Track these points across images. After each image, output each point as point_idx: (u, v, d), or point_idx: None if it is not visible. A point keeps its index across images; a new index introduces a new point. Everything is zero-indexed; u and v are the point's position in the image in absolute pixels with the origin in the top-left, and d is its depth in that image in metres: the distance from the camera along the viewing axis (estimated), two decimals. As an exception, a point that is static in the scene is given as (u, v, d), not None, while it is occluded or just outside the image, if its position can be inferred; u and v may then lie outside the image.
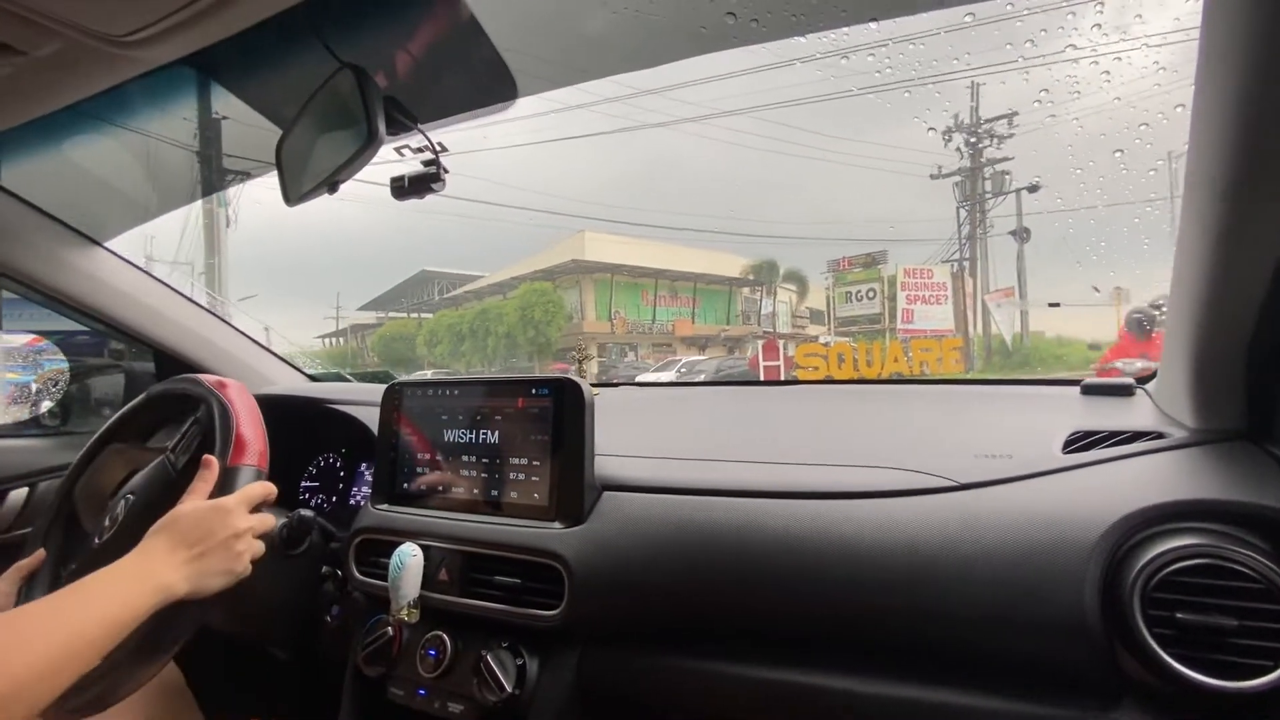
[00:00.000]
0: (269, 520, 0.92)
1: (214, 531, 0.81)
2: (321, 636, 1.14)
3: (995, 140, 14.73)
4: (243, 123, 1.03)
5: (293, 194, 0.94)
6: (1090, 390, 1.02)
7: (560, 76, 0.89)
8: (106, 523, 1.01)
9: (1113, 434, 0.84)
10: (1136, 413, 0.92)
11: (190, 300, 1.48)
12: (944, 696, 0.73)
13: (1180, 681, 0.61)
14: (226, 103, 0.99)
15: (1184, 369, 0.77)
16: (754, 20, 0.70)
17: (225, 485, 0.90)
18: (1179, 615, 0.63)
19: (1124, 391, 0.99)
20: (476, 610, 0.94)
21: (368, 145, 0.76)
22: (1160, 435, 0.82)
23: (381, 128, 0.75)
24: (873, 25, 0.72)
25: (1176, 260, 0.72)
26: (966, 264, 14.96)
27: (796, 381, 1.40)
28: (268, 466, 0.96)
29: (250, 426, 0.97)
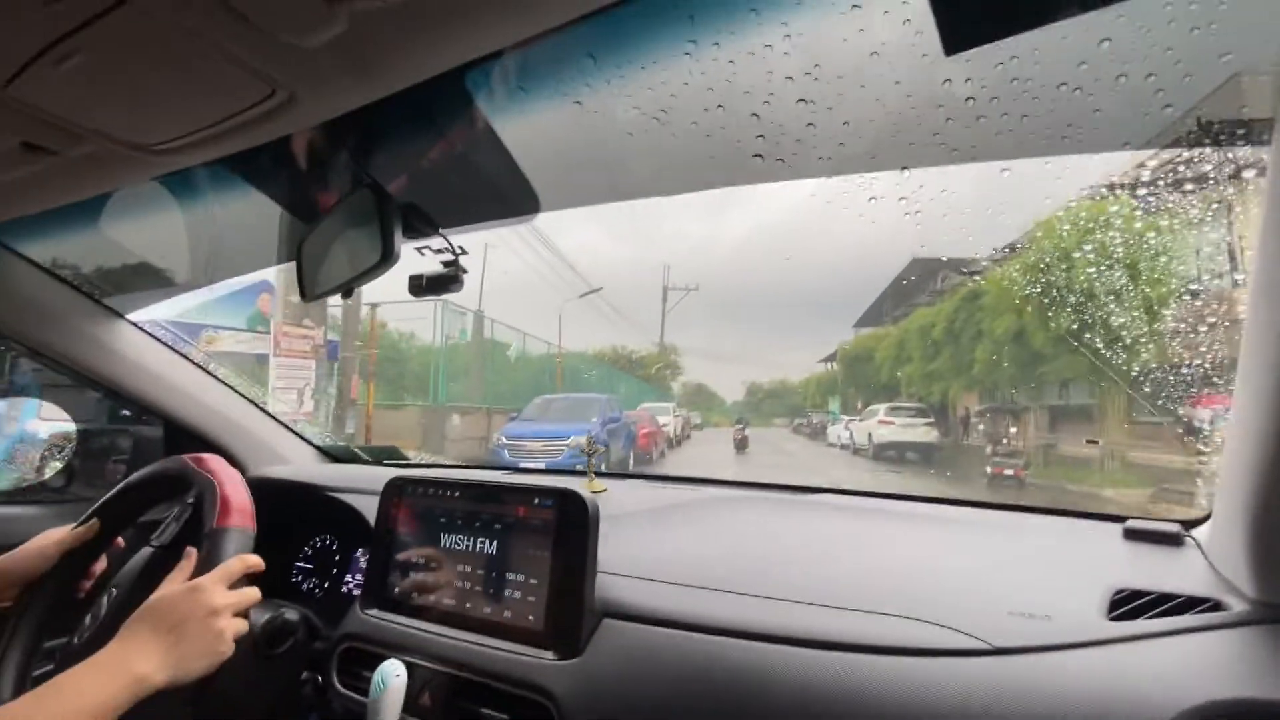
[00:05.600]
0: (251, 594, 0.87)
1: (190, 613, 0.77)
2: None
3: None
4: (270, 214, 1.04)
5: (309, 292, 0.94)
6: (1134, 535, 0.95)
7: (583, 197, 0.89)
8: (88, 620, 0.97)
9: (1163, 597, 0.77)
10: (1186, 569, 0.84)
11: (208, 373, 1.48)
12: None
13: None
14: (254, 196, 1.01)
15: (1241, 525, 0.70)
16: (779, 160, 0.70)
17: (210, 554, 0.86)
18: None
19: (1171, 540, 0.92)
20: None
21: (383, 261, 0.76)
22: (1216, 605, 0.74)
23: (397, 246, 0.75)
24: (904, 173, 0.72)
25: (1238, 396, 0.66)
26: None
27: (811, 489, 1.33)
28: (254, 526, 0.92)
29: (232, 487, 0.94)
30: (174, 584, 0.83)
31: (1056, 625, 0.74)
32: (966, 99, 0.61)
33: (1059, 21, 0.47)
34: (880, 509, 1.24)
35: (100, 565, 1.07)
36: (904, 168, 0.73)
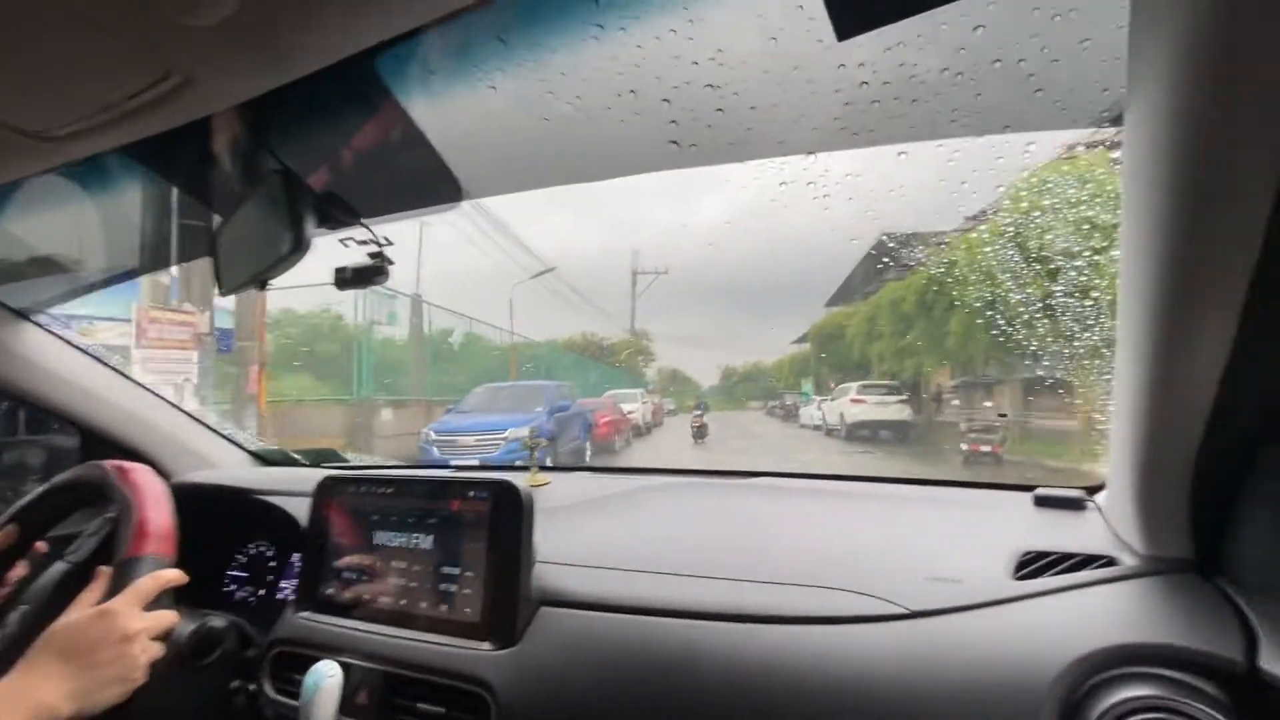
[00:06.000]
0: (167, 617, 0.84)
1: (100, 639, 0.74)
2: None
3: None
4: (183, 207, 1.00)
5: (225, 284, 0.91)
6: (1043, 502, 1.01)
7: (505, 185, 0.89)
8: None
9: (1064, 557, 0.82)
10: (1087, 531, 0.90)
11: (125, 376, 1.41)
12: None
13: None
14: (166, 189, 0.96)
15: (1129, 489, 0.76)
16: (693, 145, 0.71)
17: (121, 579, 0.82)
18: None
19: (1075, 505, 0.98)
20: None
21: (294, 250, 0.74)
22: (1110, 561, 0.79)
23: (309, 233, 0.73)
24: (811, 158, 0.75)
25: (1117, 373, 0.71)
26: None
27: (748, 474, 1.37)
28: (173, 553, 0.88)
29: (153, 510, 0.90)
30: (83, 607, 0.79)
31: (967, 587, 0.78)
32: (861, 84, 0.63)
33: (939, 7, 0.50)
34: (813, 489, 1.28)
35: (19, 571, 1.02)
36: (810, 152, 0.76)
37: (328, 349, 11.39)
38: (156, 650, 0.80)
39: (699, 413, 14.09)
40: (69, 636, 0.74)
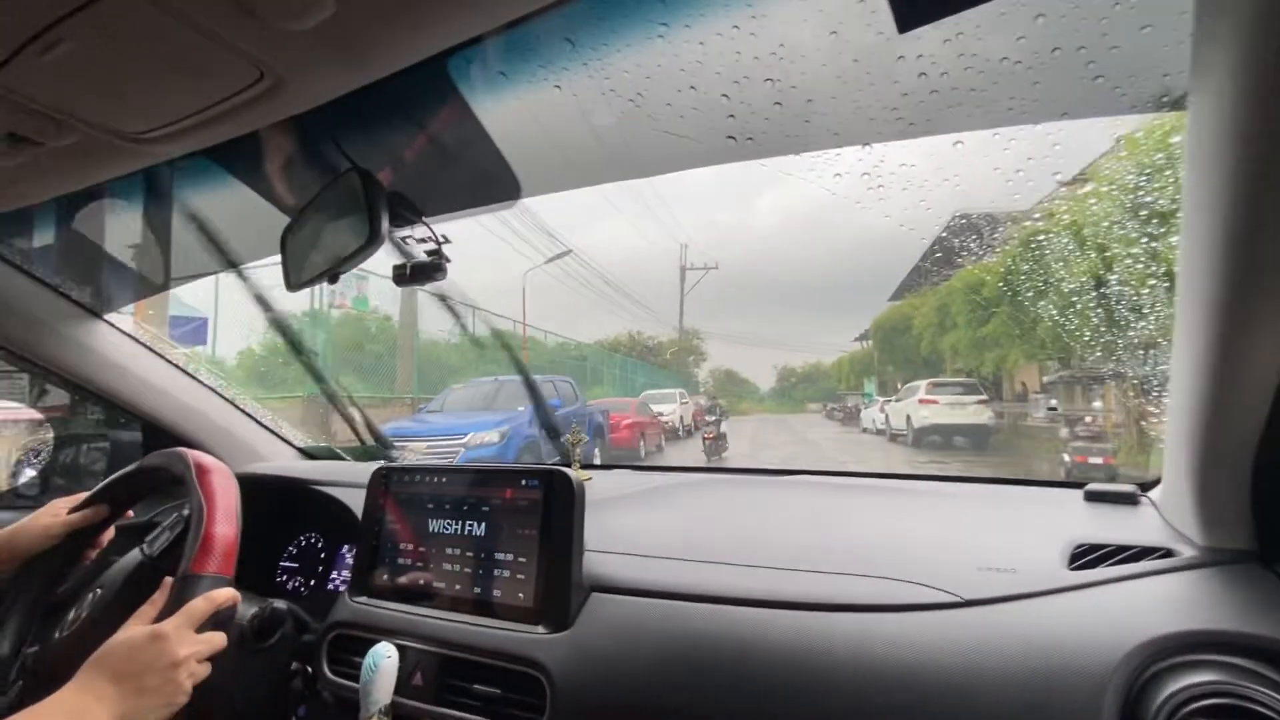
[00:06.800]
0: (216, 639, 0.86)
1: (150, 663, 0.77)
2: None
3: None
4: (250, 208, 1.05)
5: (293, 281, 0.95)
6: (1093, 497, 1.00)
7: (563, 182, 0.93)
8: (71, 615, 0.97)
9: (1120, 549, 0.81)
10: (1142, 524, 0.90)
11: (185, 372, 1.47)
12: None
13: None
14: (235, 190, 1.02)
15: (1187, 481, 0.76)
16: (749, 139, 0.74)
17: (179, 596, 0.85)
18: None
19: (1128, 500, 0.97)
20: None
21: (369, 244, 0.78)
22: (1168, 553, 0.79)
23: (384, 228, 0.77)
24: (866, 149, 0.77)
25: (1174, 365, 0.71)
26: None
27: (792, 472, 1.38)
28: (232, 570, 0.91)
29: (220, 523, 0.92)
30: (141, 621, 0.83)
31: (1022, 577, 0.78)
32: (919, 75, 0.65)
33: (999, -2, 0.52)
34: (858, 485, 1.28)
35: (108, 535, 1.09)
36: (866, 143, 0.78)
37: (270, 339, 9.43)
38: (203, 671, 0.82)
39: (714, 419, 10.52)
40: (121, 659, 0.77)
